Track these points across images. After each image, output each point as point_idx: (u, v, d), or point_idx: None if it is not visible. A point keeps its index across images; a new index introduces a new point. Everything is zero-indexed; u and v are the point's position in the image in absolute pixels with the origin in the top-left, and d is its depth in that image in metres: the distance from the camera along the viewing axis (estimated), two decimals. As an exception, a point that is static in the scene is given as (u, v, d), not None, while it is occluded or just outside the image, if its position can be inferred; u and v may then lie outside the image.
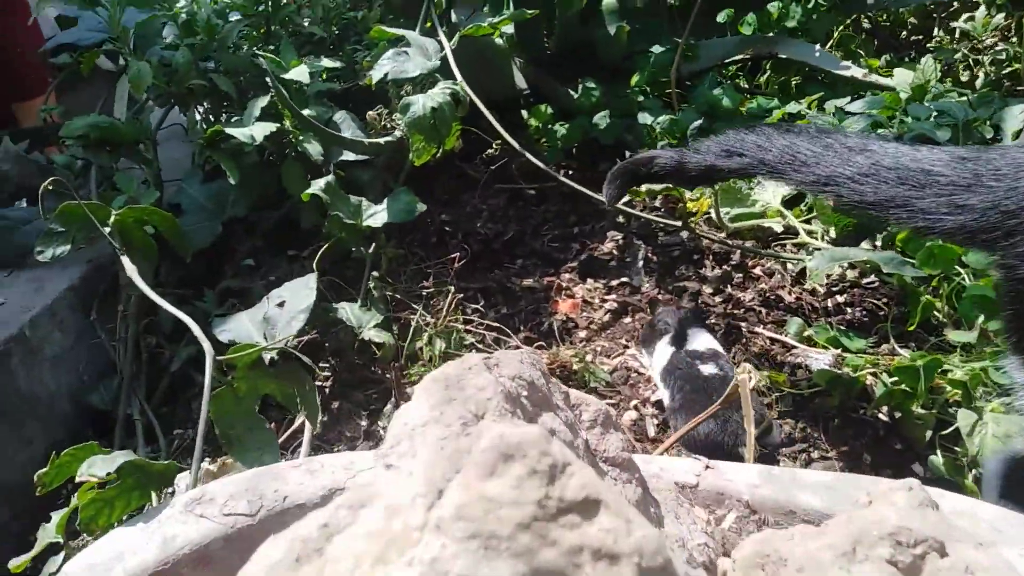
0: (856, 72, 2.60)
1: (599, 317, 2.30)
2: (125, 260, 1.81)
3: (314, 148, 2.18)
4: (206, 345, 1.55)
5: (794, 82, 3.04)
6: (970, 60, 2.76)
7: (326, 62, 2.39)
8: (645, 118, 2.84)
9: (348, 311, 2.03)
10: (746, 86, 3.17)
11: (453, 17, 3.02)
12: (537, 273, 2.60)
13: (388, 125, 2.30)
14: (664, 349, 1.86)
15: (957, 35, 3.04)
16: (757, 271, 2.27)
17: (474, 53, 2.54)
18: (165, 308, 1.69)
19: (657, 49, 2.85)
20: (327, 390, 2.09)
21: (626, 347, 2.15)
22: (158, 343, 2.11)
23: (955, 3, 3.11)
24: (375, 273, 2.18)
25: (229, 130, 2.09)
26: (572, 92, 3.14)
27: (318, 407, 1.63)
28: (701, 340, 1.85)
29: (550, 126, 3.15)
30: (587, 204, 2.99)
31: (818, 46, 2.77)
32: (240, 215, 2.26)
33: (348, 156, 2.25)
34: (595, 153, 3.18)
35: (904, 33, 3.34)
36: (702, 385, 1.67)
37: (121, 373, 2.00)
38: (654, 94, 2.99)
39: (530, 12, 2.64)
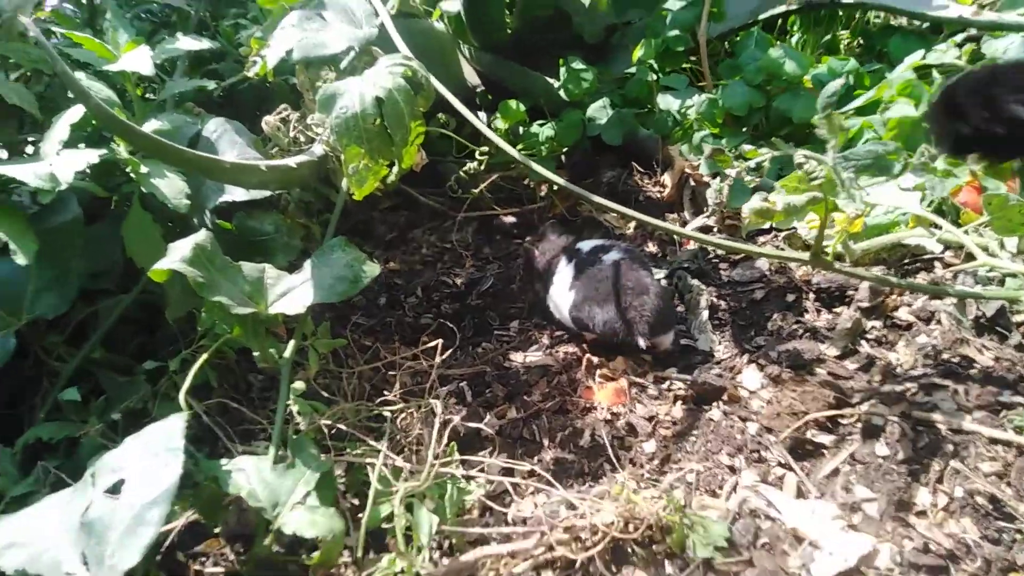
0: (962, 11, 1.84)
1: (667, 412, 1.45)
2: None
3: (170, 187, 1.25)
4: None
5: (843, 41, 2.27)
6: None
7: (186, 43, 1.45)
8: (668, 102, 2.01)
9: (251, 476, 1.11)
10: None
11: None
12: (545, 340, 1.73)
13: (300, 138, 1.40)
14: (564, 269, 1.67)
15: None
16: (903, 315, 1.46)
17: (407, 41, 1.66)
18: None
19: (675, 5, 2.03)
20: (227, 619, 1.16)
21: (732, 469, 1.30)
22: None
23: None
24: (298, 385, 1.27)
25: (5, 170, 1.15)
26: (550, 80, 2.30)
27: None
28: (594, 242, 1.70)
29: (525, 128, 2.30)
30: (591, 228, 2.15)
31: (894, -15, 2.01)
32: (52, 314, 1.31)
33: (235, 194, 1.33)
34: (590, 159, 2.35)
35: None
36: (600, 274, 1.57)
37: None
38: (666, 71, 2.18)
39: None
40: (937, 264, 1.52)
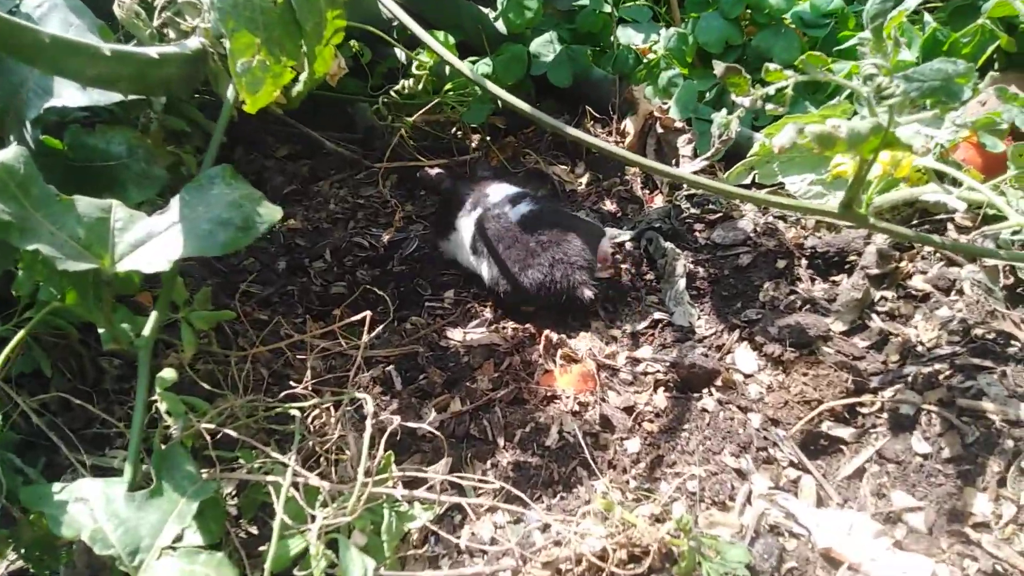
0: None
1: (647, 401, 1.18)
2: None
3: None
4: None
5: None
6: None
7: None
8: (629, 36, 1.73)
9: (98, 509, 0.75)
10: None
11: None
12: (487, 314, 1.43)
13: (169, 32, 1.01)
14: (467, 222, 1.46)
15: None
16: (918, 284, 1.25)
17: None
18: None
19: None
20: None
21: (740, 473, 1.04)
22: None
23: None
24: (166, 374, 0.89)
25: None
26: (484, 9, 1.97)
27: None
28: (500, 189, 1.49)
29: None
30: (536, 181, 1.84)
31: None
32: None
33: (67, 98, 0.92)
34: (533, 103, 2.03)
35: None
36: (517, 234, 1.35)
37: None
38: (622, 2, 1.89)
39: None
40: (949, 225, 1.32)
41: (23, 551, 0.80)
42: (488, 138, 1.94)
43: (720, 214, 1.48)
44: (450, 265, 1.58)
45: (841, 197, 1.00)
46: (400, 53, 2.16)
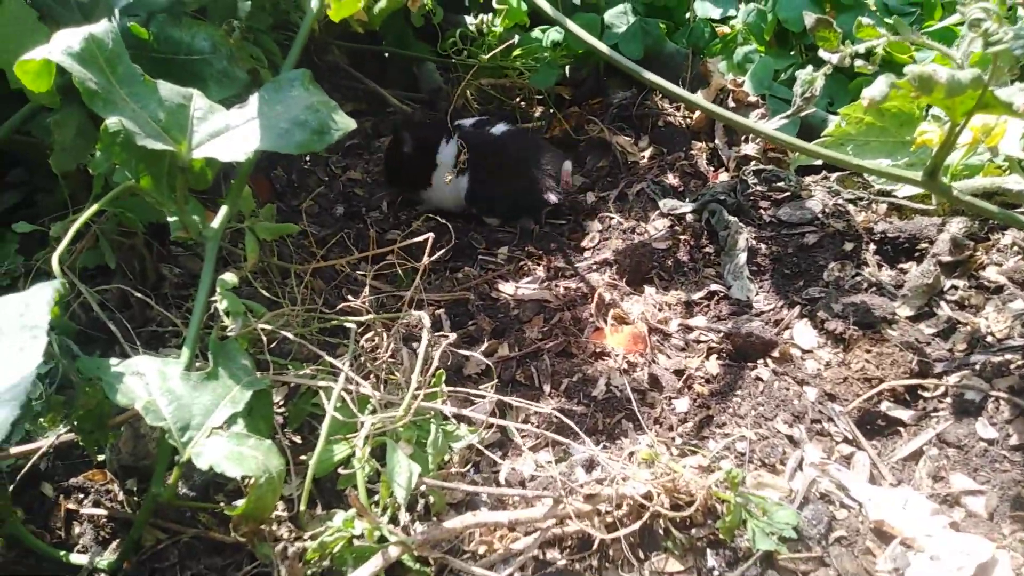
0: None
1: (698, 366, 1.15)
2: None
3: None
4: None
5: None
6: None
7: None
8: (706, 9, 1.70)
9: (153, 383, 0.75)
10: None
11: None
12: (540, 272, 1.41)
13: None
14: (447, 151, 1.56)
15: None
16: (992, 275, 1.20)
17: None
18: None
19: None
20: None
21: (792, 440, 1.01)
22: None
23: None
24: (228, 277, 0.90)
25: None
26: (560, -22, 1.96)
27: None
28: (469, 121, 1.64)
29: (524, 34, 1.95)
30: (598, 152, 1.81)
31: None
32: None
33: (158, -9, 0.94)
34: (600, 76, 2.00)
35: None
36: (493, 145, 1.54)
37: None
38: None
39: None
40: (1029, 221, 1.26)
41: (75, 422, 0.81)
42: (552, 109, 1.93)
43: (788, 193, 1.44)
44: (505, 224, 1.58)
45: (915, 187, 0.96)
46: (470, 21, 2.17)
